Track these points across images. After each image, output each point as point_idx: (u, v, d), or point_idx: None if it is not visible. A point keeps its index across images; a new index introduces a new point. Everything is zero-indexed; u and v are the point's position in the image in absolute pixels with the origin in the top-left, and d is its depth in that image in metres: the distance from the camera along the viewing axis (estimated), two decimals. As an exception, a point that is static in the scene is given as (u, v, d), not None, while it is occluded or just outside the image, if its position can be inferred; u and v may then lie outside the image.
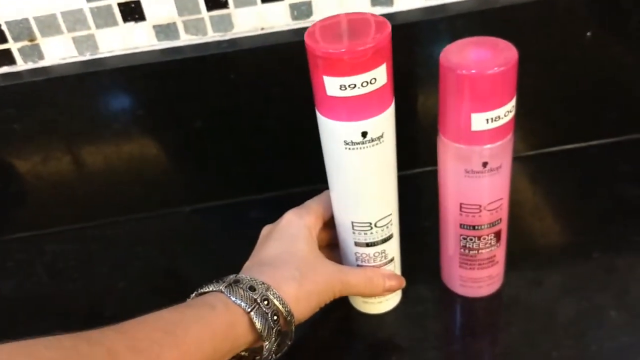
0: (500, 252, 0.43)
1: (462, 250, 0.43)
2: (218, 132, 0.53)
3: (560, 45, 0.51)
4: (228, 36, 0.50)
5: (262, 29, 0.50)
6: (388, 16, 0.49)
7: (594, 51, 0.51)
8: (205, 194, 0.57)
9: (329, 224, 0.44)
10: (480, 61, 0.35)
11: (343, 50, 0.33)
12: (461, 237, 0.42)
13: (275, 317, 0.36)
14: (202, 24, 0.49)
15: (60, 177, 0.54)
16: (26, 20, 0.48)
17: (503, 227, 0.42)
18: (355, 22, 0.36)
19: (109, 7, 0.48)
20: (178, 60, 0.49)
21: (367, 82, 0.34)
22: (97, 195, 0.56)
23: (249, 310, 0.35)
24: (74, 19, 0.48)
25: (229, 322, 0.34)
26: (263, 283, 0.36)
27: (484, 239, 0.42)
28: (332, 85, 0.35)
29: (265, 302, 0.36)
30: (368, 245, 0.42)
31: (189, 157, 0.54)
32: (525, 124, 0.51)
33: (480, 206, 0.40)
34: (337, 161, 0.38)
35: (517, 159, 0.44)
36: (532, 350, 0.41)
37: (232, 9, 0.49)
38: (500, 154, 0.38)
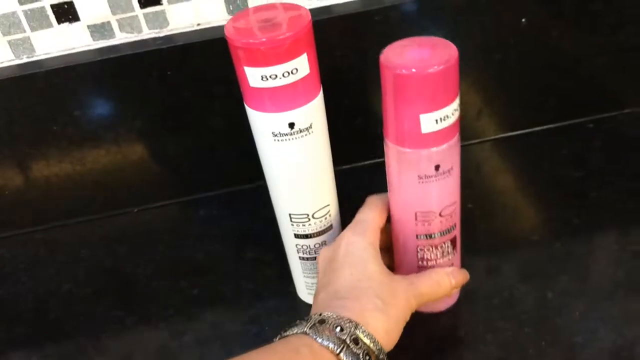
0: (456, 260, 0.42)
1: (419, 262, 0.41)
2: (160, 130, 0.52)
3: (496, 34, 0.51)
4: (164, 33, 0.50)
5: (199, 24, 0.50)
6: (326, 8, 0.49)
7: (530, 38, 0.52)
8: (152, 194, 0.56)
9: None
10: (423, 60, 0.33)
11: (264, 40, 0.34)
12: (418, 248, 0.40)
13: (367, 357, 0.34)
14: (137, 22, 0.49)
15: (4, 182, 0.54)
16: (-42, 24, 0.48)
17: (457, 232, 0.41)
18: (278, 13, 0.36)
19: (42, 9, 0.48)
20: (114, 58, 0.49)
21: (288, 72, 0.34)
22: (42, 199, 0.55)
23: (338, 351, 0.33)
24: (8, 22, 0.48)
25: None
26: (350, 321, 0.34)
27: (441, 247, 0.40)
28: (254, 76, 0.35)
29: (355, 342, 0.33)
30: (307, 236, 0.42)
31: (132, 158, 0.54)
32: (465, 113, 0.52)
33: (435, 213, 0.38)
34: (268, 153, 0.38)
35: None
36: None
37: (166, 5, 0.49)
38: (451, 155, 0.37)
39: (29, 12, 0.48)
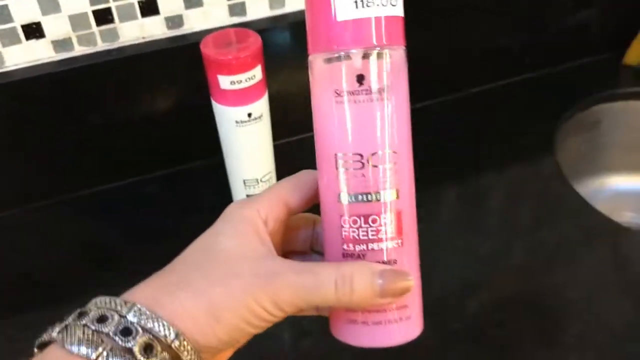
0: (405, 255, 0.29)
1: (344, 246, 0.29)
2: (115, 125, 0.64)
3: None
4: (115, 45, 0.62)
5: (144, 37, 0.62)
6: (244, 24, 0.64)
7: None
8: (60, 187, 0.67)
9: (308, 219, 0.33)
10: None
11: (231, 57, 0.48)
12: (341, 219, 0.29)
13: (151, 350, 0.25)
14: (93, 37, 0.61)
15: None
16: None
17: (406, 205, 0.29)
18: (235, 34, 0.51)
19: (13, 29, 0.57)
20: (74, 68, 0.60)
21: (249, 78, 0.50)
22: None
23: (94, 356, 0.24)
24: (-19, 39, 0.57)
25: None
26: (125, 303, 0.26)
27: (374, 222, 0.29)
28: (225, 82, 0.49)
29: (124, 334, 0.25)
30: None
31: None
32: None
33: (362, 157, 0.28)
34: (231, 136, 0.53)
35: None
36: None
37: (117, 23, 0.61)
38: (386, 70, 0.28)
39: (1, 31, 0.57)
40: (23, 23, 0.57)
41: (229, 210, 0.31)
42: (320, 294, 0.27)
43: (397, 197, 0.29)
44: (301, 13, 0.67)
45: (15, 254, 0.62)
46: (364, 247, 0.29)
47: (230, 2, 0.63)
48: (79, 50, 0.61)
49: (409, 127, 0.29)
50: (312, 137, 0.30)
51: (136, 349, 0.25)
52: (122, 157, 0.67)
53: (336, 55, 0.28)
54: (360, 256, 0.29)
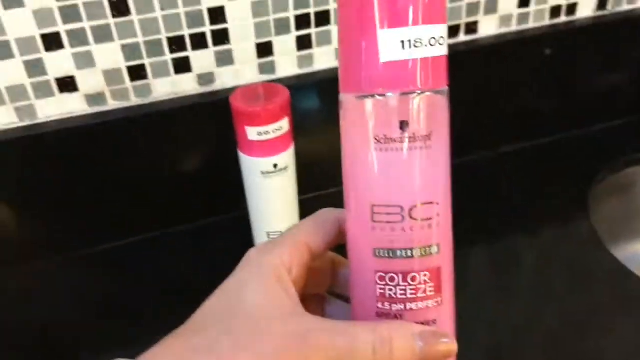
0: (443, 313, 0.28)
1: (378, 304, 0.27)
2: (143, 178, 0.65)
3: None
4: (148, 100, 0.63)
5: (176, 94, 0.63)
6: (273, 82, 0.65)
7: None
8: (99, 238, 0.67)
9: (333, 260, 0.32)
10: None
11: (259, 109, 0.49)
12: (376, 276, 0.27)
13: None
14: (127, 92, 0.62)
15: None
16: (-28, 94, 0.58)
17: (445, 261, 0.27)
18: (264, 88, 0.51)
19: (47, 82, 0.59)
20: (106, 122, 0.61)
21: (276, 130, 0.50)
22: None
23: None
24: (17, 92, 0.59)
25: None
26: None
27: (414, 280, 0.26)
28: (252, 133, 0.49)
29: None
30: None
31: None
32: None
33: (402, 209, 0.26)
34: (256, 187, 0.53)
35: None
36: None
37: (150, 79, 0.62)
38: (431, 112, 0.25)
39: (35, 84, 0.59)
40: (57, 76, 0.59)
41: (251, 257, 0.29)
42: (356, 358, 0.25)
43: (438, 252, 0.27)
44: (329, 71, 0.69)
45: (35, 308, 0.61)
46: (402, 306, 0.26)
47: (260, 61, 0.64)
48: (112, 104, 0.62)
49: (449, 176, 0.27)
50: (339, 193, 0.28)
51: None
52: (147, 210, 0.67)
53: (377, 98, 0.25)
54: (397, 316, 0.27)
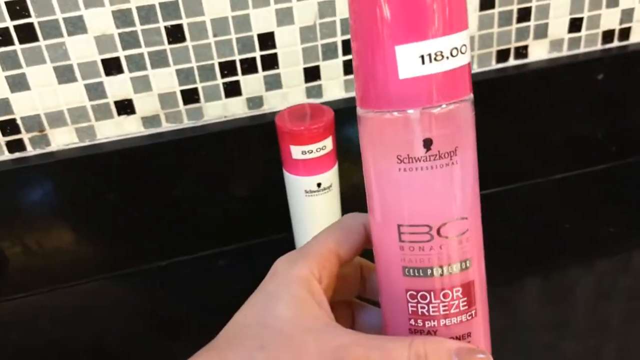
0: (478, 329, 0.27)
1: (410, 321, 0.27)
2: (193, 198, 0.67)
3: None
4: (200, 123, 0.65)
5: (226, 116, 0.66)
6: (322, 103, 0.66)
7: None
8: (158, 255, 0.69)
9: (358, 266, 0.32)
10: None
11: (303, 128, 0.50)
12: (407, 294, 0.26)
13: None
14: (180, 115, 0.64)
15: (58, 243, 0.66)
16: (38, 115, 0.61)
17: (477, 276, 0.27)
18: (310, 108, 0.53)
19: (107, 104, 0.62)
20: (160, 143, 0.64)
21: (320, 149, 0.51)
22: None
23: None
24: (78, 114, 0.62)
25: None
26: None
27: (446, 297, 0.26)
28: (296, 152, 0.51)
29: None
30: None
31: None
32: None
33: (430, 228, 0.25)
34: (300, 206, 0.54)
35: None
36: None
37: (202, 102, 0.64)
38: (455, 128, 0.24)
39: (95, 106, 0.62)
40: (116, 99, 0.62)
41: (279, 269, 0.28)
42: None
43: (470, 265, 0.26)
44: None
45: (85, 324, 0.63)
46: (435, 323, 0.26)
47: (307, 85, 0.66)
48: (165, 126, 0.65)
49: (477, 187, 0.26)
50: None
51: None
52: (196, 229, 0.69)
53: (397, 115, 0.24)
54: (430, 332, 0.26)
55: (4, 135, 0.61)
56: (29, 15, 0.56)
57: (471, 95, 0.25)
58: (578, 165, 0.77)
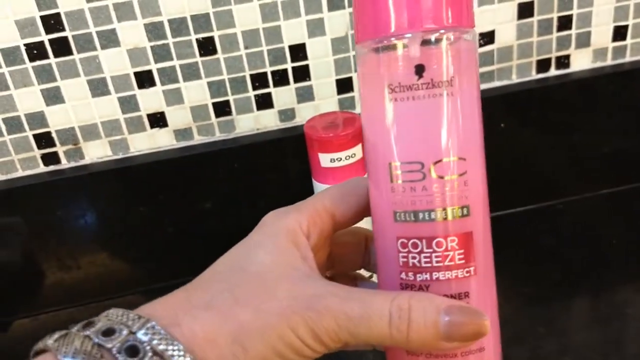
0: (478, 289, 0.24)
1: (402, 274, 0.24)
2: (222, 210, 0.66)
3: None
4: (231, 135, 0.65)
5: (258, 129, 0.65)
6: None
7: (508, 137, 0.68)
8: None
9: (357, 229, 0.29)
10: None
11: (332, 135, 0.48)
12: (398, 242, 0.24)
13: None
14: (212, 127, 0.64)
15: (92, 258, 0.66)
16: (72, 128, 0.62)
17: (477, 228, 0.24)
18: (340, 116, 0.51)
19: (139, 117, 0.62)
20: (191, 155, 0.63)
21: (349, 156, 0.49)
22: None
23: None
24: (112, 127, 0.62)
25: None
26: (139, 318, 0.23)
27: (439, 246, 0.23)
28: (325, 160, 0.49)
29: (130, 353, 0.22)
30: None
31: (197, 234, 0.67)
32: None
33: (422, 166, 0.23)
34: (329, 216, 0.52)
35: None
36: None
37: (234, 115, 0.64)
38: (453, 57, 0.23)
39: (129, 119, 0.62)
40: (149, 112, 0.62)
41: (267, 219, 0.27)
42: (369, 327, 0.22)
43: (468, 214, 0.23)
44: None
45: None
46: (427, 276, 0.23)
47: (340, 97, 0.64)
48: (197, 139, 0.64)
49: (480, 128, 0.24)
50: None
51: None
52: (229, 242, 0.68)
53: (389, 41, 0.23)
54: (422, 288, 0.24)
55: (39, 148, 0.62)
56: (63, 29, 0.57)
57: (473, 30, 0.23)
58: (625, 180, 0.73)
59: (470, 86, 0.23)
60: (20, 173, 0.63)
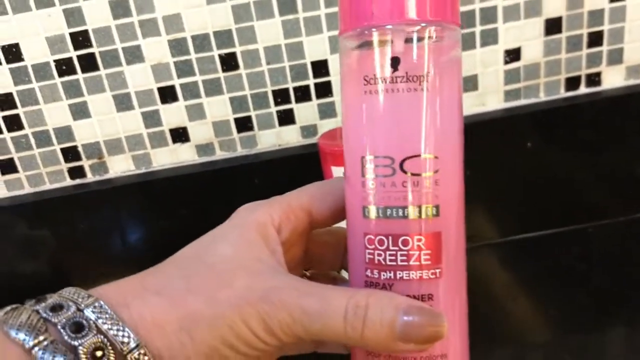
0: (443, 293, 0.23)
1: (367, 272, 0.24)
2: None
3: (505, 153, 0.66)
4: (253, 151, 0.65)
5: (279, 145, 0.65)
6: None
7: (534, 157, 0.66)
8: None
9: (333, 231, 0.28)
10: None
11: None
12: (365, 239, 0.24)
13: (98, 353, 0.21)
14: (233, 143, 0.64)
15: (114, 270, 0.66)
16: (97, 142, 0.63)
17: (448, 230, 0.23)
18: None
19: (162, 132, 0.63)
20: (212, 170, 0.64)
21: (363, 170, 0.48)
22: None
23: (32, 344, 0.21)
24: (135, 141, 0.63)
25: None
26: (88, 296, 0.23)
27: (405, 245, 0.23)
28: (338, 173, 0.49)
29: (74, 328, 0.21)
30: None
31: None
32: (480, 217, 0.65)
33: (392, 161, 0.22)
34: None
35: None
36: None
37: (256, 131, 0.64)
38: (431, 51, 0.22)
39: (152, 134, 0.63)
40: (171, 127, 0.63)
41: (239, 211, 0.27)
42: (323, 322, 0.22)
43: (437, 214, 0.23)
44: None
45: None
46: (391, 274, 0.23)
47: (363, 113, 0.64)
48: (219, 154, 0.65)
49: (459, 128, 0.23)
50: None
51: (82, 350, 0.21)
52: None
53: (367, 33, 0.22)
54: (386, 286, 0.23)
55: (66, 161, 0.64)
56: (90, 45, 0.59)
57: (458, 29, 0.23)
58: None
59: (451, 86, 0.23)
60: (48, 186, 0.65)
